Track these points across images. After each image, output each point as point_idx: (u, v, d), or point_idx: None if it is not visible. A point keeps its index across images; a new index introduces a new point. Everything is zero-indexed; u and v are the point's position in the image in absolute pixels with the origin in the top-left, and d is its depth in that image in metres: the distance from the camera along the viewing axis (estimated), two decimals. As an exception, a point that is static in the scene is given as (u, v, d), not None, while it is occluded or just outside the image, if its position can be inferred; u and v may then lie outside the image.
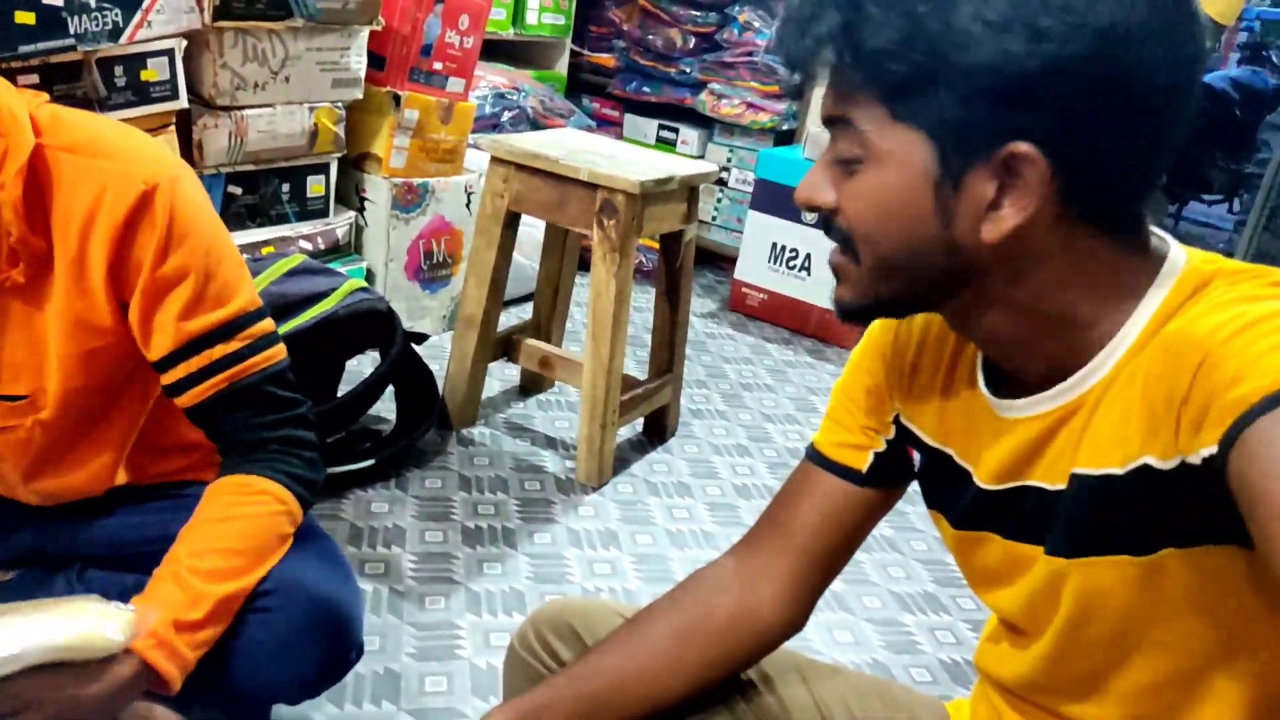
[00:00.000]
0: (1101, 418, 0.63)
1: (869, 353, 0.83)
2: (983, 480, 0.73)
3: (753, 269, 3.24)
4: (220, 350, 0.96)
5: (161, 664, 0.88)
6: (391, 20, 2.34)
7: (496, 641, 1.56)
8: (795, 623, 0.85)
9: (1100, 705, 0.70)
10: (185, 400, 0.98)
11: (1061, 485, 0.66)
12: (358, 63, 2.28)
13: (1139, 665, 0.67)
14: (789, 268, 3.17)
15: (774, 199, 3.14)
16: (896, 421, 0.82)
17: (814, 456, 0.86)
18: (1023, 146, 0.59)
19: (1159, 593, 0.63)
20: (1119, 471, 0.61)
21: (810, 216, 2.80)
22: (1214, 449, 0.53)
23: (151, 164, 0.92)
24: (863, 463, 0.83)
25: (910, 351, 0.80)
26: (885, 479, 0.83)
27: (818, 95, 3.31)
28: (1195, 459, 0.55)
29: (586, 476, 2.06)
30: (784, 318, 3.21)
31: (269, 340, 1.00)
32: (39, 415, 0.98)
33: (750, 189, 3.44)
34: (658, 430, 2.32)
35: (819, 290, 3.12)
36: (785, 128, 3.45)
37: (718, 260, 3.60)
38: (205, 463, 1.13)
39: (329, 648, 1.01)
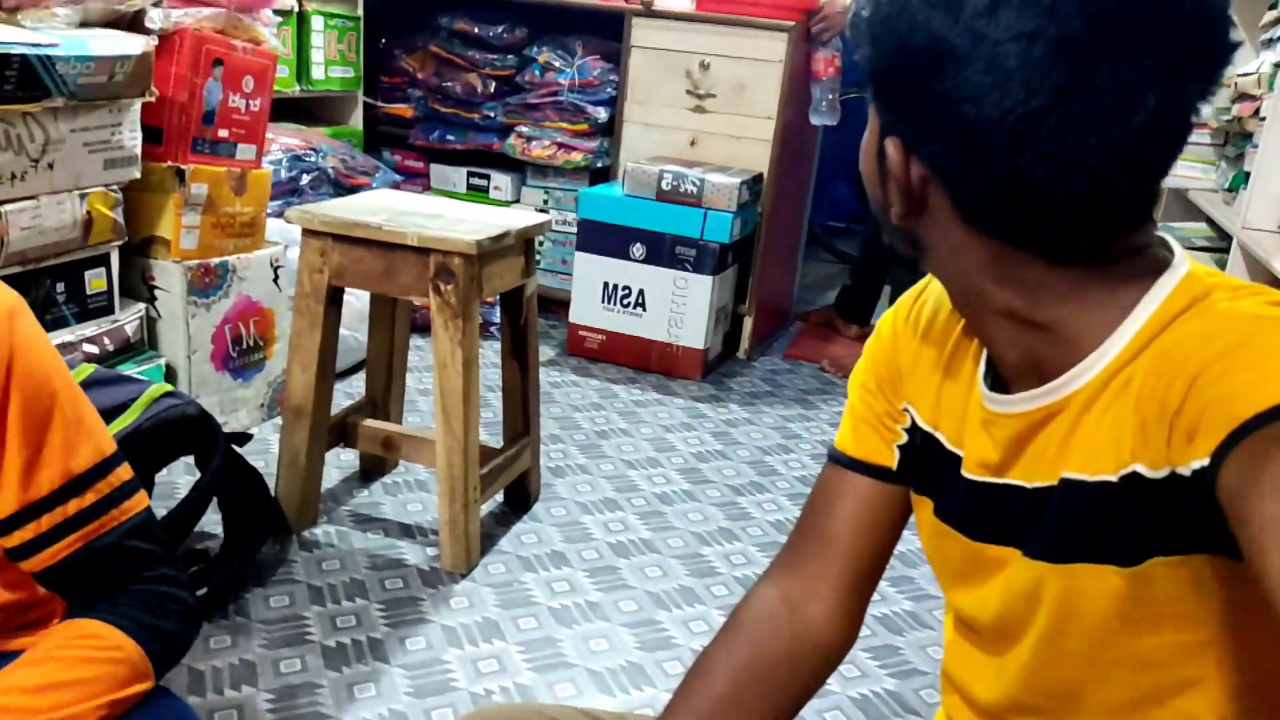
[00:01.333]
0: (1093, 423, 0.62)
1: (880, 340, 0.82)
2: (967, 470, 0.72)
3: (587, 311, 3.15)
4: (74, 505, 0.84)
5: None
6: (165, 89, 2.10)
7: (385, 778, 1.37)
8: (850, 639, 0.83)
9: None
10: (34, 564, 0.85)
11: (1041, 484, 0.66)
12: (132, 139, 2.03)
13: (1115, 681, 0.65)
14: (623, 306, 3.10)
15: (600, 238, 3.07)
16: (907, 409, 0.79)
17: (841, 459, 0.83)
18: (890, 140, 0.63)
19: (1141, 605, 0.62)
20: (1113, 479, 0.61)
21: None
22: (1205, 461, 0.53)
23: None
24: (891, 459, 0.80)
25: (918, 335, 0.79)
26: (910, 474, 0.80)
27: (629, 131, 3.30)
28: (1186, 470, 0.55)
29: (453, 563, 1.89)
30: (625, 357, 3.14)
31: (128, 489, 0.88)
32: None
33: (570, 229, 3.36)
34: (520, 498, 2.17)
35: (656, 325, 3.07)
36: (600, 165, 3.39)
37: (548, 305, 3.49)
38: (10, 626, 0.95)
39: None
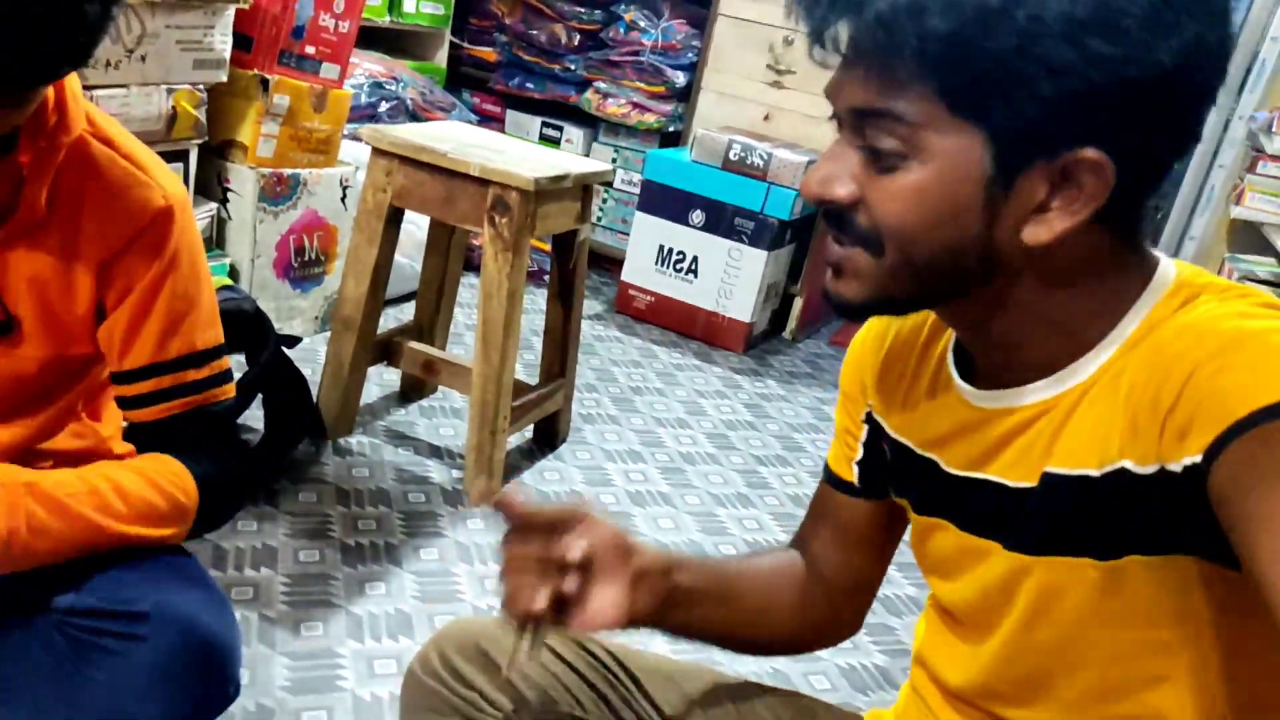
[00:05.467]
0: (1080, 419, 0.63)
1: (851, 355, 0.84)
2: (949, 465, 0.73)
3: (639, 271, 3.19)
4: (191, 375, 0.97)
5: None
6: (260, -1, 2.18)
7: (381, 669, 1.44)
8: (848, 632, 0.90)
9: (1043, 712, 0.70)
10: (141, 415, 0.97)
11: (1024, 483, 0.66)
12: (222, 43, 2.11)
13: (1085, 673, 0.67)
14: (676, 270, 3.13)
15: (661, 201, 3.10)
16: (869, 419, 0.82)
17: (825, 472, 0.87)
18: (1092, 153, 0.57)
19: (1116, 600, 0.63)
20: (1095, 473, 0.61)
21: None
22: (1198, 458, 0.54)
23: (173, 182, 0.94)
24: (851, 475, 0.83)
25: (883, 347, 0.80)
26: (877, 487, 0.83)
27: (704, 99, 3.30)
28: (1176, 467, 0.56)
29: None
30: (671, 320, 3.17)
31: (228, 376, 1.01)
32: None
33: (635, 190, 3.39)
34: (548, 437, 2.23)
35: (705, 293, 3.10)
36: (671, 129, 3.42)
37: (602, 261, 3.54)
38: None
39: (206, 683, 0.90)
